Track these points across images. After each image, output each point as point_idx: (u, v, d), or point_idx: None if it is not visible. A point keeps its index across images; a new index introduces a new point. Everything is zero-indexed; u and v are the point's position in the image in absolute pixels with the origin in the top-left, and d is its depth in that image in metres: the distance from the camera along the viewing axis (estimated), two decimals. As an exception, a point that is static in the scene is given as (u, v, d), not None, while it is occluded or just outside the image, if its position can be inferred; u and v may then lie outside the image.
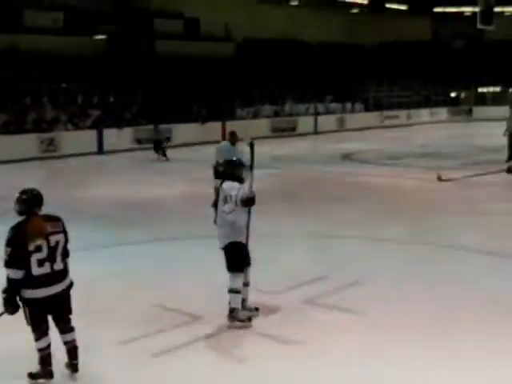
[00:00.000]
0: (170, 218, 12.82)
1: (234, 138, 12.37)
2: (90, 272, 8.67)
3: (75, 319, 5.66)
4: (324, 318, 7.11)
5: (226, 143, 12.58)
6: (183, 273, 8.80)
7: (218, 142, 22.58)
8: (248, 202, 6.84)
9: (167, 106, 28.88)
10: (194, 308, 7.35)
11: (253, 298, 7.24)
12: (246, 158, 7.35)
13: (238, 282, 6.90)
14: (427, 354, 6.10)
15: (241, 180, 7.05)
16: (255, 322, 6.93)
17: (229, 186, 6.95)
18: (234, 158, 7.73)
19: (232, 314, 6.87)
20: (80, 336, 5.76)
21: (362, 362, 5.96)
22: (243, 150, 11.61)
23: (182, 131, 28.07)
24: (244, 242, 6.98)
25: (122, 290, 8.15)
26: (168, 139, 24.63)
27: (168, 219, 12.64)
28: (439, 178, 16.02)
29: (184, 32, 35.41)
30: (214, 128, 28.80)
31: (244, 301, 7.07)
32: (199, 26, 36.35)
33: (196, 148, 25.61)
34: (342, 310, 7.28)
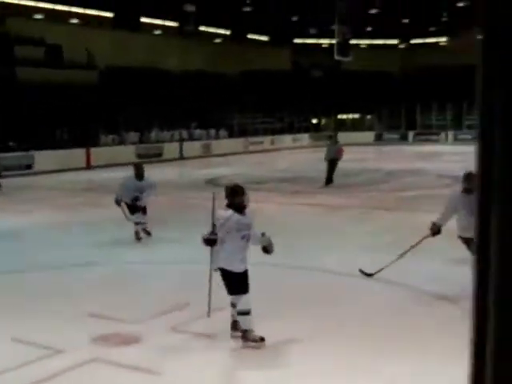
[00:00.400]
0: (27, 247, 12.49)
1: (139, 171, 12.61)
2: None
3: None
4: (189, 345, 7.14)
5: (130, 178, 12.68)
6: (46, 304, 8.58)
7: (82, 168, 22.84)
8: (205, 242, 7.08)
9: (29, 133, 28.23)
10: (56, 341, 7.14)
11: (115, 329, 7.17)
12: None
13: (246, 303, 6.99)
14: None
15: (239, 209, 7.10)
16: (118, 352, 6.89)
17: (218, 215, 7.14)
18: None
19: (245, 335, 7.01)
20: None
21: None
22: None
23: (45, 158, 27.54)
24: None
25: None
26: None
27: (25, 249, 12.33)
28: None
29: (46, 58, 34.78)
30: (78, 154, 28.44)
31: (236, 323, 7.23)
32: (62, 53, 35.82)
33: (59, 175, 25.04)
34: (206, 336, 7.35)
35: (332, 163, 21.68)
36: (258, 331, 6.98)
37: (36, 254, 11.84)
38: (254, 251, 7.26)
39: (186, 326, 7.65)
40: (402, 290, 9.11)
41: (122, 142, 33.64)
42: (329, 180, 21.51)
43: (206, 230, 7.08)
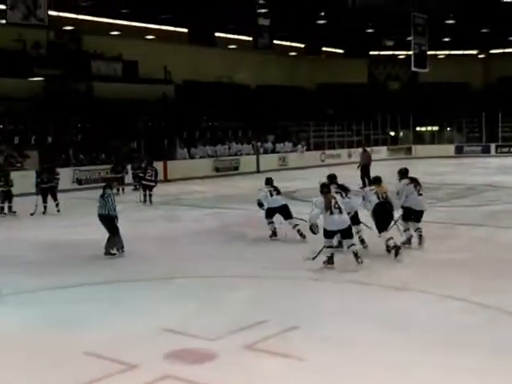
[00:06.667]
0: (105, 261, 12.47)
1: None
2: (22, 317, 8.48)
3: (5, 368, 5.30)
4: (264, 364, 6.90)
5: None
6: (119, 318, 8.52)
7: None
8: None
9: (105, 146, 28.68)
10: (130, 356, 7.03)
11: (189, 345, 6.96)
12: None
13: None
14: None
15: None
16: (191, 369, 6.68)
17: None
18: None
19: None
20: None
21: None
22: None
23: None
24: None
25: (54, 336, 7.79)
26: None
27: (103, 263, 12.30)
28: None
29: (122, 74, 35.30)
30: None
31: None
32: (137, 68, 36.30)
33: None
34: (282, 355, 7.06)
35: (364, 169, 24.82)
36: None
37: (112, 267, 11.80)
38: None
39: (262, 344, 7.39)
40: None
41: (198, 156, 33.78)
42: (364, 184, 22.89)
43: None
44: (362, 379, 6.41)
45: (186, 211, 19.26)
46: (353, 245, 11.25)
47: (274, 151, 38.39)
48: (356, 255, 11.07)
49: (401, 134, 49.77)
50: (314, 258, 11.30)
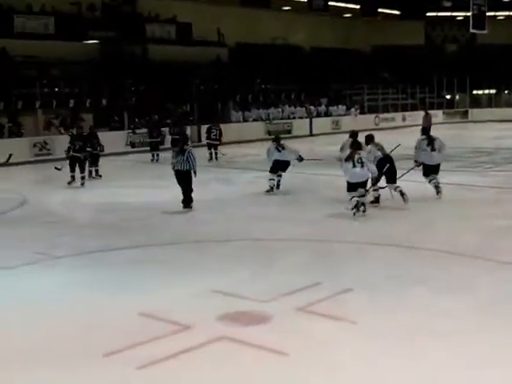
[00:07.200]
0: (159, 223, 12.58)
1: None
2: (76, 279, 8.61)
3: (60, 329, 5.40)
4: (317, 326, 6.88)
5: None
6: (172, 279, 8.59)
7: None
8: None
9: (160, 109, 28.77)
10: (183, 317, 7.09)
11: (241, 307, 7.01)
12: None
13: None
14: (422, 367, 5.84)
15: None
16: (245, 331, 6.71)
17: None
18: None
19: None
20: (66, 347, 5.54)
21: (354, 373, 5.74)
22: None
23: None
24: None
25: (107, 298, 7.91)
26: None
27: (157, 224, 12.42)
28: None
29: (176, 36, 35.29)
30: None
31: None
32: (191, 31, 36.21)
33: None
34: (335, 318, 7.03)
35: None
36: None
37: (164, 229, 11.89)
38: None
39: (315, 306, 7.37)
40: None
41: (251, 119, 33.71)
42: None
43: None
44: (413, 346, 6.33)
45: (239, 174, 19.27)
46: (363, 196, 12.28)
47: (327, 114, 38.06)
48: (363, 204, 12.18)
49: (457, 97, 48.77)
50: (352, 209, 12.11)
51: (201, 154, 20.67)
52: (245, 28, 39.57)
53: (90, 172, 18.61)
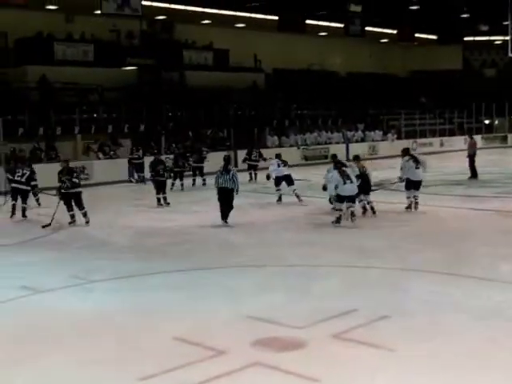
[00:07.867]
0: (196, 247, 12.58)
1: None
2: (112, 303, 8.66)
3: (95, 352, 5.40)
4: (353, 353, 6.77)
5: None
6: (207, 304, 8.56)
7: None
8: None
9: (198, 136, 28.94)
10: (218, 342, 7.05)
11: (276, 333, 6.92)
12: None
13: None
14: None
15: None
16: (279, 357, 6.62)
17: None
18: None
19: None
20: (100, 370, 5.52)
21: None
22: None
23: (212, 159, 27.94)
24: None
25: (143, 322, 7.91)
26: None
27: (194, 249, 12.41)
28: None
29: (213, 63, 35.58)
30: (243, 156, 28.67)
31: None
32: (228, 57, 36.48)
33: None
34: (372, 345, 6.91)
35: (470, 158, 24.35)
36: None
37: (201, 254, 11.89)
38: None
39: (351, 333, 7.27)
40: None
41: (288, 144, 33.71)
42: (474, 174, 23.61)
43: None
44: (456, 370, 6.18)
45: (274, 198, 19.21)
46: (351, 206, 14.10)
47: (363, 140, 37.90)
48: (352, 214, 14.03)
49: (496, 122, 48.24)
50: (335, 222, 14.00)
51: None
52: (281, 53, 39.72)
53: (159, 200, 17.98)
